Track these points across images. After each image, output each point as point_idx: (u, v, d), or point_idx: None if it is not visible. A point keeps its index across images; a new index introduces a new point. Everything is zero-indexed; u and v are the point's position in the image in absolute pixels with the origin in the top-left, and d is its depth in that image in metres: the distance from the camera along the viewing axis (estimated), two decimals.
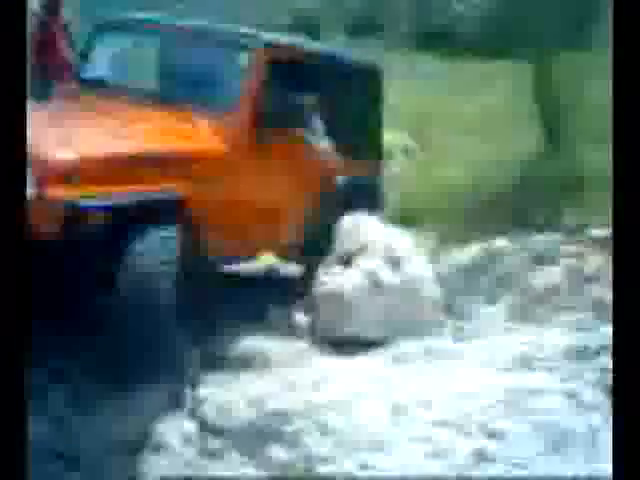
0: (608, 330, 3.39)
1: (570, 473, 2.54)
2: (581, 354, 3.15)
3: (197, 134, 4.06)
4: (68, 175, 3.23)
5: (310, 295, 4.38)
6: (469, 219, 5.77)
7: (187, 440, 3.36)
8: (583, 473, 2.50)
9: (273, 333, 4.24)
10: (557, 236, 4.92)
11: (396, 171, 7.71)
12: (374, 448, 2.93)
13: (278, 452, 3.18)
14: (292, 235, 4.68)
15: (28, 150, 3.16)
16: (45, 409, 3.29)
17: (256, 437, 3.30)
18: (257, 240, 4.48)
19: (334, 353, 3.98)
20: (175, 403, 3.55)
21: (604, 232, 4.50)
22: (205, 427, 3.41)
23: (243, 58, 4.33)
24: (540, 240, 4.71)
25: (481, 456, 2.71)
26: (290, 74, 4.51)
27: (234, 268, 4.92)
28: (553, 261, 4.40)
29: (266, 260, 5.25)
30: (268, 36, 4.46)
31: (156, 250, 3.43)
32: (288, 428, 3.23)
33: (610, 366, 2.91)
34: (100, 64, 4.70)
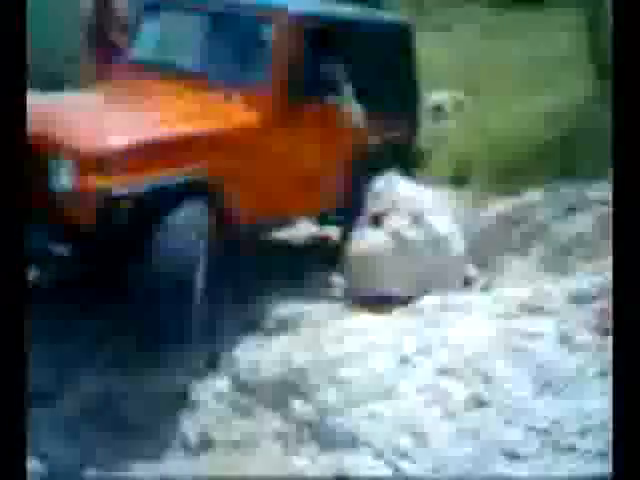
0: None
1: (558, 412, 2.63)
2: (581, 299, 3.18)
3: (230, 109, 4.17)
4: (100, 164, 3.38)
5: (344, 257, 4.55)
6: (516, 171, 5.73)
7: (220, 397, 3.65)
8: (571, 408, 2.58)
9: (310, 296, 4.46)
10: (600, 185, 4.81)
11: (446, 126, 7.70)
12: (381, 398, 3.10)
13: (298, 406, 3.40)
14: (327, 201, 4.83)
15: (61, 139, 3.48)
16: (93, 371, 3.66)
17: (280, 392, 3.54)
18: (292, 208, 4.65)
19: (363, 311, 4.13)
20: (212, 364, 3.85)
21: None
22: (237, 385, 3.69)
23: (273, 29, 4.42)
24: (573, 192, 4.65)
25: (476, 401, 2.84)
26: (321, 42, 4.62)
27: (274, 235, 5.15)
28: (586, 211, 4.36)
29: (303, 227, 5.44)
30: (297, 5, 4.54)
31: (186, 226, 3.63)
32: (307, 383, 3.44)
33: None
34: (143, 45, 4.91)
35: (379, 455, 2.84)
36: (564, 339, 2.93)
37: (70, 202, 3.34)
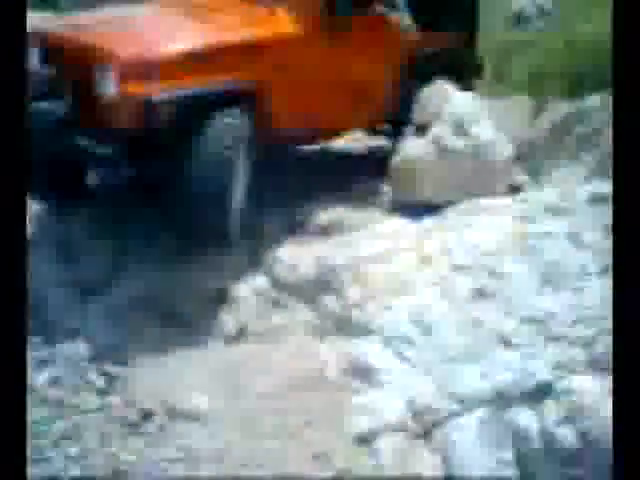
0: None
1: (556, 305, 2.69)
2: (600, 201, 3.14)
3: (274, 20, 4.24)
4: (141, 71, 3.58)
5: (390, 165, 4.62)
6: (575, 79, 5.52)
7: (259, 293, 3.91)
8: (566, 302, 2.64)
9: (357, 203, 4.59)
10: None
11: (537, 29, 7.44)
12: (397, 292, 3.25)
13: (328, 300, 3.61)
14: (376, 107, 4.87)
15: (107, 48, 3.71)
16: (142, 269, 3.98)
17: (314, 289, 3.75)
18: (342, 116, 4.72)
19: (403, 217, 4.23)
20: (254, 262, 4.09)
21: None
22: (275, 282, 3.93)
23: None
24: None
25: (480, 293, 2.94)
26: None
27: (327, 145, 5.26)
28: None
29: (354, 136, 5.50)
30: None
31: (225, 131, 3.81)
32: (337, 280, 3.63)
33: None
34: None
35: (387, 343, 3.01)
36: (573, 238, 2.94)
37: (114, 106, 3.58)
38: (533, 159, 4.65)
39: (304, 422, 2.88)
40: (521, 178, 4.57)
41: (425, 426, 2.55)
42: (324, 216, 4.38)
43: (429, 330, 2.93)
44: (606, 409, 2.16)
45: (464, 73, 5.21)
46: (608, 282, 2.60)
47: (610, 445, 2.06)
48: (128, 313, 3.71)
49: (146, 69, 3.63)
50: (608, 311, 2.52)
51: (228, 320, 3.77)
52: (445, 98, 4.52)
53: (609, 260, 2.68)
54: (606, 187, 3.12)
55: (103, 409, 3.17)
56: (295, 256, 4.01)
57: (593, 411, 2.17)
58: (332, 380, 3.08)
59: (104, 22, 4.12)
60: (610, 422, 2.12)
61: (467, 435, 2.42)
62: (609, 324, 2.48)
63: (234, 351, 3.58)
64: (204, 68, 3.79)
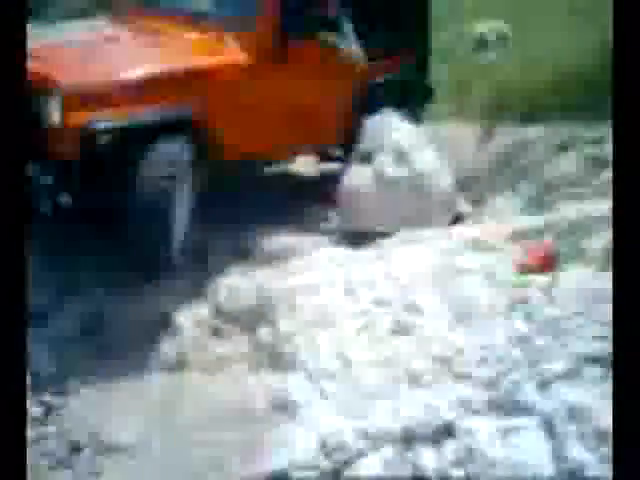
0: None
1: (463, 342, 2.77)
2: (520, 236, 3.24)
3: (220, 48, 4.30)
4: (84, 101, 3.66)
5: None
6: (530, 107, 5.61)
7: (201, 322, 3.97)
8: (474, 340, 2.73)
9: (307, 230, 4.66)
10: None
11: (492, 59, 7.55)
12: (324, 325, 3.32)
13: (262, 332, 3.67)
14: (326, 137, 4.96)
15: (49, 76, 3.74)
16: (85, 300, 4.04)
17: (252, 319, 3.82)
18: (290, 144, 4.81)
19: (345, 245, 4.31)
20: (197, 290, 4.15)
21: None
22: (217, 311, 3.99)
23: None
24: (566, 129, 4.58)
25: (398, 327, 3.02)
26: None
27: (275, 171, 5.32)
28: (576, 149, 4.31)
29: (303, 163, 5.58)
30: None
31: (164, 162, 3.87)
32: (272, 311, 3.70)
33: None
34: None
35: (309, 377, 3.08)
36: (489, 275, 3.03)
37: (54, 136, 3.62)
38: (477, 189, 4.74)
39: (226, 455, 2.94)
40: (466, 208, 4.66)
41: (336, 465, 2.61)
42: (270, 243, 4.46)
43: (349, 365, 3.01)
44: (495, 451, 2.24)
45: (416, 98, 5.30)
46: (513, 321, 2.72)
47: None
48: (67, 343, 3.77)
49: (87, 98, 3.68)
50: (511, 350, 2.63)
51: (168, 350, 3.83)
52: (390, 128, 4.62)
53: (511, 299, 2.79)
54: (535, 220, 3.21)
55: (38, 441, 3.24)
56: (237, 285, 4.08)
57: (481, 453, 2.24)
58: (259, 414, 3.14)
59: (56, 47, 4.15)
60: (499, 463, 2.21)
61: (372, 475, 2.48)
62: (511, 364, 2.57)
63: (172, 382, 3.64)
64: (146, 96, 3.85)
